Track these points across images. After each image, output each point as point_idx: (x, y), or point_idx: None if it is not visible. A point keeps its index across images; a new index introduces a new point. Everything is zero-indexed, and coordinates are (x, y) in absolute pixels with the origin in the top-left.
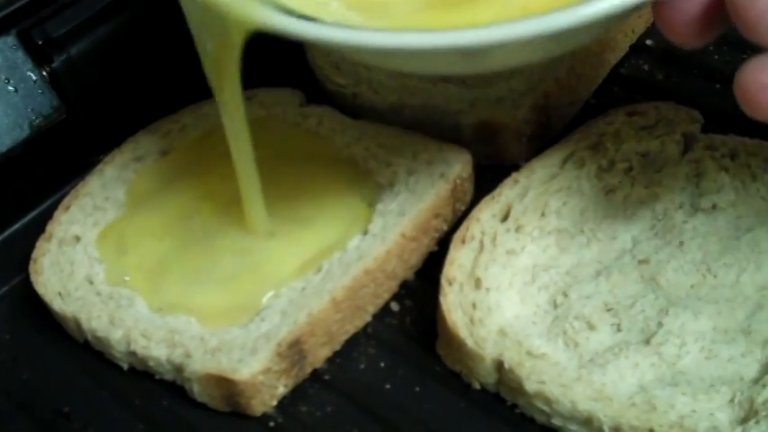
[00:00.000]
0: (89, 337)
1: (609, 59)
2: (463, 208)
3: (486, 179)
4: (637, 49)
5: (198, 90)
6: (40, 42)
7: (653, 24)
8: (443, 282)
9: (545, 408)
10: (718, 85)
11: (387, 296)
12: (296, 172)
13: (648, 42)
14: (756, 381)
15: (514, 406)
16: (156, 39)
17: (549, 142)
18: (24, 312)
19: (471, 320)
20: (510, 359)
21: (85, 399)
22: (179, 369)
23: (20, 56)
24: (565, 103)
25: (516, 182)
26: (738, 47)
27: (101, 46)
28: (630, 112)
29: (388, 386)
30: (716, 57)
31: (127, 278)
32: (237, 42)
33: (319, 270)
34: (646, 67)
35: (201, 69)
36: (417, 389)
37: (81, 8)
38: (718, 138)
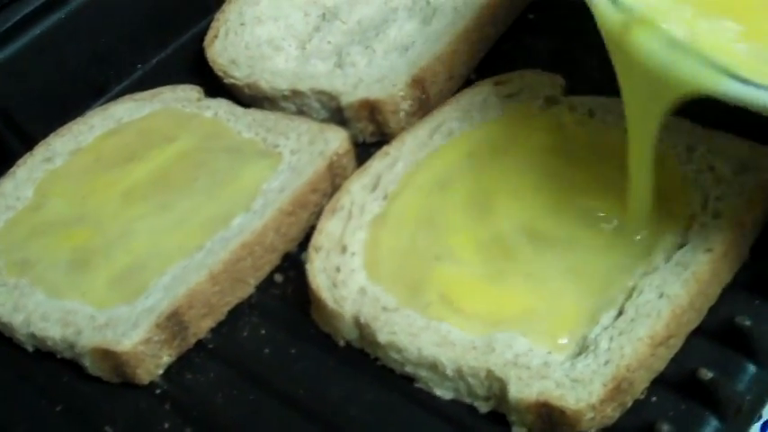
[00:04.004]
0: None
1: (490, 34)
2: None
3: (371, 155)
4: (520, 22)
5: (106, 92)
6: None
7: None
8: (311, 250)
9: (397, 357)
10: (596, 53)
11: (268, 268)
12: (193, 160)
13: (531, 16)
14: (592, 319)
15: (377, 359)
16: (65, 47)
17: None
18: None
19: (334, 283)
20: (366, 314)
21: None
22: (72, 346)
23: None
24: (443, 79)
25: (387, 154)
26: None
27: (15, 57)
28: (497, 82)
29: (267, 351)
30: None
31: (26, 268)
32: (672, 100)
33: (202, 248)
34: (528, 39)
35: (109, 76)
36: (293, 351)
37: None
38: (577, 99)
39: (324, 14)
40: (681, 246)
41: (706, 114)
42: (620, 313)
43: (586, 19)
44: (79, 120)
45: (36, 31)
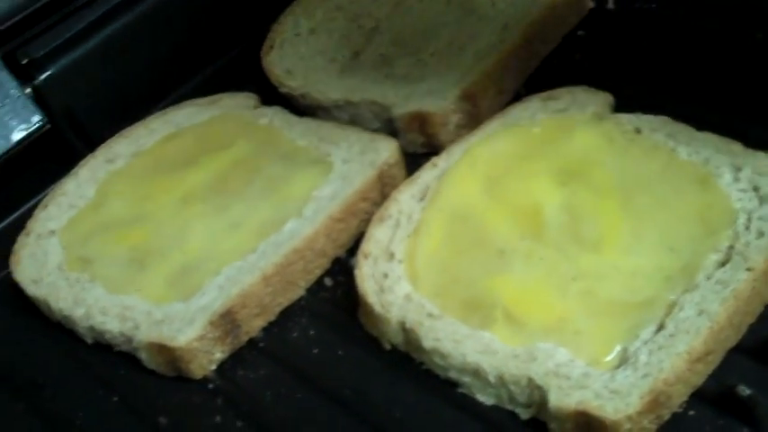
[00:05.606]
0: (59, 317)
1: (540, 50)
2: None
3: (420, 165)
4: (569, 39)
5: (166, 97)
6: (24, 62)
7: (586, 15)
8: (360, 256)
9: (441, 362)
10: (644, 71)
11: (319, 272)
12: (248, 166)
13: (580, 33)
14: (633, 333)
15: (421, 363)
16: (129, 53)
17: None
18: (10, 299)
19: (381, 288)
20: (411, 320)
21: (56, 370)
22: (129, 340)
23: (4, 75)
24: (492, 93)
25: (435, 165)
26: (670, 37)
27: (80, 63)
28: (546, 98)
29: (315, 351)
30: (644, 43)
31: (87, 264)
32: None
33: (256, 251)
34: (578, 56)
35: (169, 82)
36: (340, 352)
37: (60, 31)
38: (624, 116)
39: (376, 26)
40: (722, 264)
41: (753, 135)
42: (660, 328)
43: (635, 37)
44: (140, 123)
45: (101, 36)
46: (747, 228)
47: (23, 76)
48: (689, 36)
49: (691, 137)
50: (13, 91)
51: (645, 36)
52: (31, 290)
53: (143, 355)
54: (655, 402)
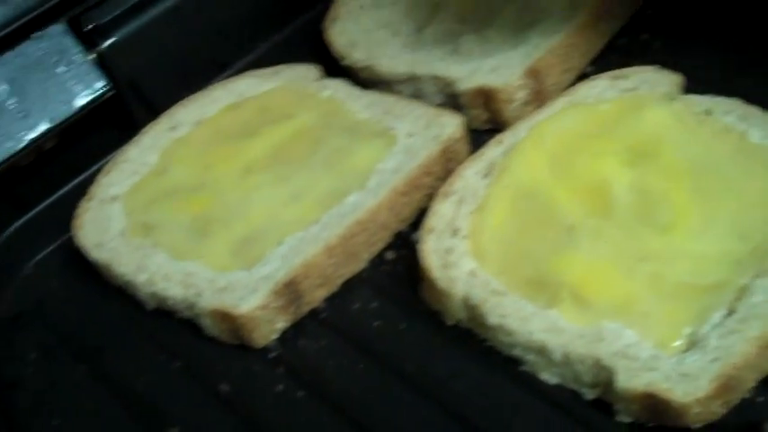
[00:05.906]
0: (120, 282)
1: (607, 29)
2: (457, 167)
3: (483, 142)
4: (637, 18)
5: (228, 67)
6: (88, 28)
7: None
8: (424, 231)
9: (506, 339)
10: (715, 52)
11: (381, 245)
12: (310, 137)
13: (649, 12)
14: (702, 316)
15: (484, 340)
16: (192, 22)
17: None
18: (72, 263)
19: (445, 264)
20: (476, 296)
21: (117, 335)
22: (192, 306)
23: (69, 41)
24: (558, 71)
25: (500, 142)
26: (742, 17)
27: (144, 30)
28: (614, 77)
29: (376, 324)
30: (715, 22)
31: (150, 230)
32: None
33: (319, 222)
34: (645, 36)
35: (232, 52)
36: (402, 326)
37: None
38: (695, 98)
39: (441, 0)
40: None
41: None
42: (730, 313)
43: (705, 17)
44: (203, 92)
45: (165, 4)
46: None
47: (88, 41)
48: (762, 16)
49: (763, 120)
50: (77, 56)
51: (716, 15)
52: (94, 254)
53: (205, 322)
54: (724, 387)
